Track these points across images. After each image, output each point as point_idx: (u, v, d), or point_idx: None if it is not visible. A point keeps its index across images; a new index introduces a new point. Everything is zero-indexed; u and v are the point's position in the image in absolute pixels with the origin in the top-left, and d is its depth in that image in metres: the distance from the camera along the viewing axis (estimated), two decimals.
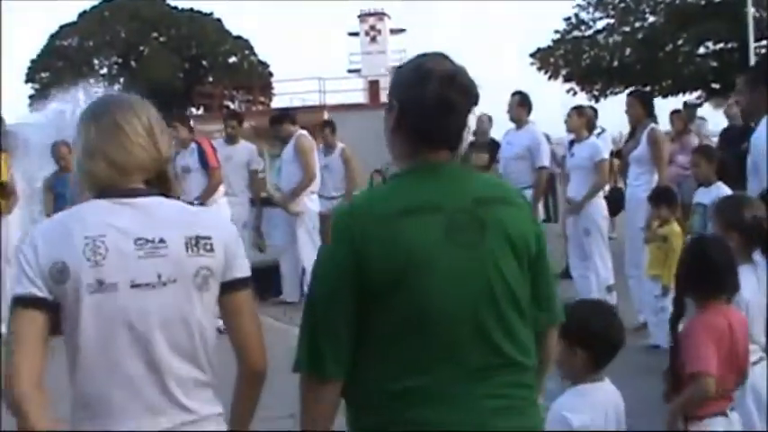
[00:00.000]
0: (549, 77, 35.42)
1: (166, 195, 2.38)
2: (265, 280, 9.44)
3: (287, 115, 10.47)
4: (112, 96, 2.48)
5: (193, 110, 43.98)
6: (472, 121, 10.65)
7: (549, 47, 35.77)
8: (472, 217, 2.30)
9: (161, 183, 2.39)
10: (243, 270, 2.38)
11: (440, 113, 2.33)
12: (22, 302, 2.17)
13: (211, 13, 56.64)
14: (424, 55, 2.43)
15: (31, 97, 50.32)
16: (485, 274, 2.28)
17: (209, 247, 2.29)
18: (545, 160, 9.21)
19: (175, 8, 55.85)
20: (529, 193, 8.57)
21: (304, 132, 10.03)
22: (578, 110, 9.03)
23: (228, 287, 2.35)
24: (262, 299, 8.64)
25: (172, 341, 2.24)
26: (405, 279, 2.22)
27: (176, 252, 2.24)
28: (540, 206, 9.44)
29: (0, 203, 8.61)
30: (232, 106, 44.27)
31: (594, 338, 3.18)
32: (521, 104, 9.25)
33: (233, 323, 2.37)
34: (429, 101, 2.32)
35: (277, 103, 41.59)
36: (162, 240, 2.23)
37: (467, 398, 2.25)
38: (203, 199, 8.42)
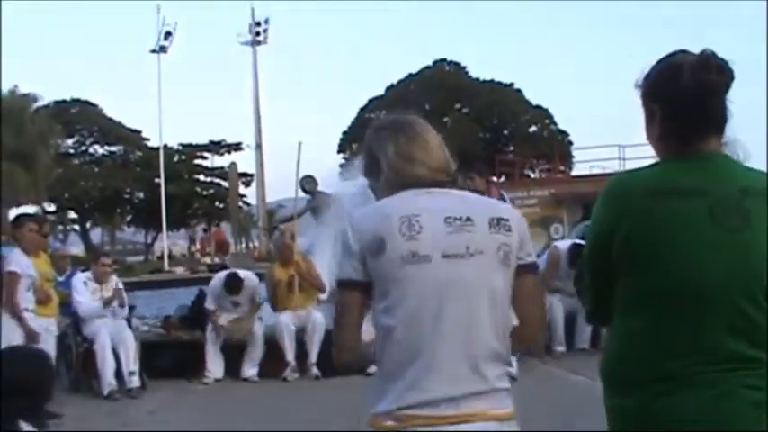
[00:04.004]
0: None
1: None
2: None
3: None
4: (403, 116, 2.79)
5: (494, 178, 44.49)
6: None
7: None
8: (737, 205, 2.27)
9: (453, 185, 2.64)
10: (531, 256, 2.57)
11: (703, 99, 2.32)
12: (342, 284, 2.50)
13: (512, 84, 57.69)
14: (668, 56, 2.42)
15: (341, 166, 53.10)
16: (747, 262, 2.23)
17: (507, 227, 2.49)
18: None
19: (477, 79, 57.48)
20: None
21: None
22: None
23: (520, 269, 2.51)
24: None
25: (478, 309, 2.40)
26: (664, 254, 2.24)
27: (481, 229, 2.46)
28: None
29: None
30: (532, 175, 44.40)
31: None
32: None
33: (519, 302, 2.53)
34: (690, 90, 2.31)
35: (577, 170, 41.41)
36: (469, 219, 2.46)
37: (722, 385, 2.18)
38: None
